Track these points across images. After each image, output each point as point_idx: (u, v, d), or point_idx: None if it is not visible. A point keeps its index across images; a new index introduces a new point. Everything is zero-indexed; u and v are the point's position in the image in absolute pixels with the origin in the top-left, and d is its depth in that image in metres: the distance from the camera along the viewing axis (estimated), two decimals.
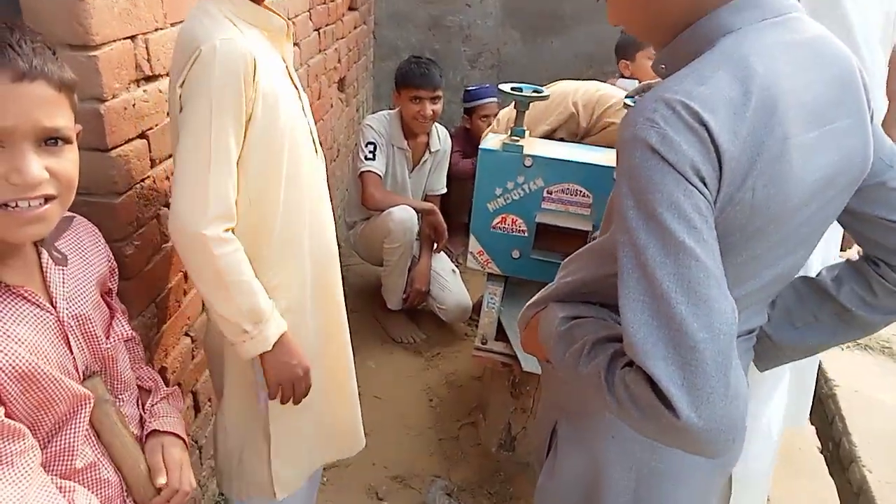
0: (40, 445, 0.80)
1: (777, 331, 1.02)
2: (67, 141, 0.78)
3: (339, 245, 3.02)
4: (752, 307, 0.92)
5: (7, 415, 0.75)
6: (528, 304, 1.07)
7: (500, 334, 2.02)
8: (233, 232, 1.14)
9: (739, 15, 0.76)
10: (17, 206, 0.73)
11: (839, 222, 0.93)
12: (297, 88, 1.28)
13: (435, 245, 2.90)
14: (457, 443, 2.32)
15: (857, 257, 0.98)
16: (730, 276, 0.73)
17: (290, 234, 1.27)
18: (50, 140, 0.76)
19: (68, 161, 0.78)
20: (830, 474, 2.39)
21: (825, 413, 2.69)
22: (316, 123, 2.81)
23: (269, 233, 1.23)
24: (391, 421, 2.39)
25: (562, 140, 2.37)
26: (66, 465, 0.83)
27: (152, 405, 1.03)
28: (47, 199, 0.76)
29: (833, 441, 2.57)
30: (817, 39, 0.80)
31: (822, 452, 2.50)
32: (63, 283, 0.86)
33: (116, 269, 1.01)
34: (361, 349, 2.59)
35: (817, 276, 1.02)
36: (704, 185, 0.70)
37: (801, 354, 1.07)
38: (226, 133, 1.08)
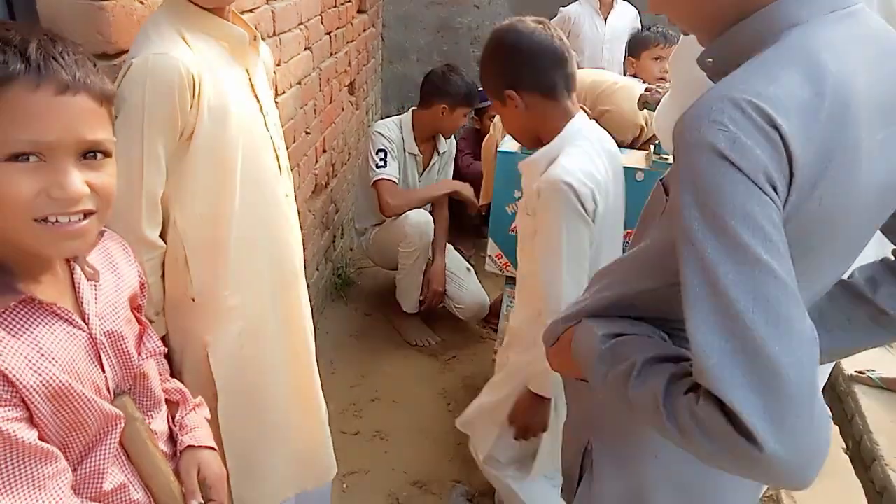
0: (71, 468, 0.79)
1: None
2: (107, 154, 0.77)
3: (350, 249, 3.02)
4: None
5: (39, 437, 0.74)
6: (555, 318, 1.00)
7: None
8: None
9: (807, 6, 0.69)
10: (57, 220, 0.72)
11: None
12: (259, 102, 1.26)
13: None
14: None
15: (893, 258, 0.93)
16: None
17: (247, 252, 1.24)
18: (90, 153, 0.74)
19: (108, 175, 0.77)
20: (856, 474, 2.35)
21: (845, 411, 2.65)
22: (328, 127, 2.82)
23: (223, 249, 1.20)
24: (409, 425, 2.38)
25: None
26: (96, 488, 0.82)
27: (182, 418, 1.02)
28: (86, 214, 0.75)
29: (853, 439, 2.54)
30: (882, 33, 0.74)
31: (845, 452, 2.46)
32: (95, 299, 0.85)
33: (145, 285, 0.99)
34: (377, 353, 2.58)
35: (850, 277, 0.95)
36: (776, 193, 0.63)
37: (832, 358, 1.02)
38: (156, 146, 1.08)
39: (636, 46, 2.86)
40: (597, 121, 2.28)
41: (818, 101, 0.64)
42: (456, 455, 2.26)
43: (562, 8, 3.57)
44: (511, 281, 2.00)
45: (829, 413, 0.67)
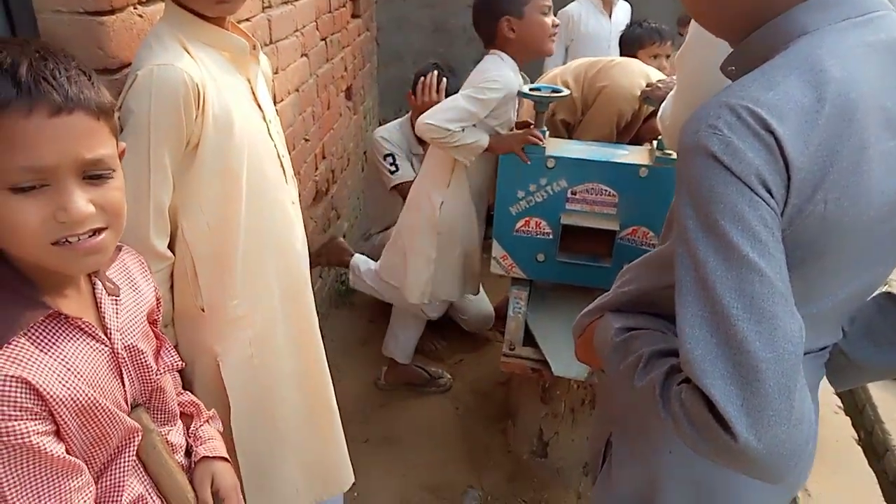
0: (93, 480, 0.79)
1: (855, 349, 0.94)
2: (111, 169, 0.76)
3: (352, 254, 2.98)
4: (825, 325, 0.87)
5: (66, 450, 0.74)
6: (582, 312, 1.05)
7: (528, 339, 1.99)
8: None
9: (817, 14, 0.71)
10: (67, 241, 0.72)
11: None
12: (262, 110, 1.26)
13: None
14: (487, 451, 2.29)
15: None
16: (799, 291, 0.70)
17: (255, 261, 1.24)
18: (93, 171, 0.74)
19: (114, 190, 0.76)
20: (869, 465, 2.34)
21: (855, 401, 2.64)
22: (326, 133, 2.80)
23: (231, 259, 1.20)
24: (418, 431, 2.37)
25: (563, 121, 2.34)
26: (115, 500, 0.82)
27: (196, 429, 1.02)
28: (98, 230, 0.74)
29: (866, 430, 2.53)
30: None
31: (858, 444, 2.45)
32: (117, 314, 0.85)
33: (161, 300, 0.99)
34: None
35: None
36: (771, 195, 0.66)
37: (881, 375, 1.01)
38: (162, 157, 1.08)
39: (632, 44, 2.82)
40: (595, 98, 2.29)
41: (818, 106, 0.66)
42: (467, 459, 2.25)
43: (563, 9, 3.53)
44: (517, 282, 1.99)
45: (813, 412, 0.68)
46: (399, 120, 2.87)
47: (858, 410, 2.59)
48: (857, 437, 2.47)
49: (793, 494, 1.02)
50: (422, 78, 2.58)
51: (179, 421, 0.99)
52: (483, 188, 2.21)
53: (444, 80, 2.58)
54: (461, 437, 2.35)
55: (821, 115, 0.66)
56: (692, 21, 1.22)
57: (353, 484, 1.57)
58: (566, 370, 1.84)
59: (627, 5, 3.59)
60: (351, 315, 3.02)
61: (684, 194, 0.69)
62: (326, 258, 2.61)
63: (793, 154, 0.65)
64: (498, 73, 1.91)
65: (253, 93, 1.24)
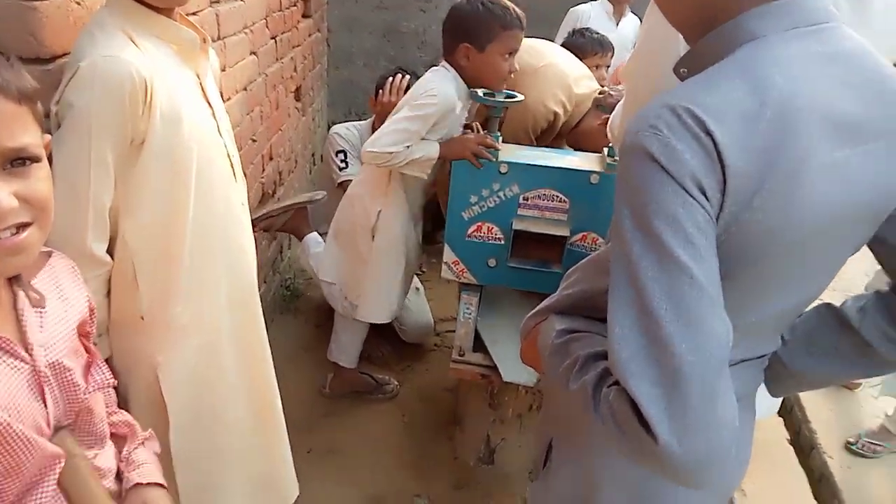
0: None
1: (793, 357, 0.95)
2: (36, 159, 0.69)
3: (298, 259, 2.91)
4: (764, 333, 0.87)
5: None
6: (530, 313, 1.04)
7: (478, 344, 1.98)
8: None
9: (766, 21, 0.70)
10: None
11: (870, 249, 0.87)
12: (211, 107, 1.21)
13: None
14: (433, 459, 2.26)
15: (887, 288, 0.90)
16: (738, 299, 0.70)
17: (203, 265, 1.19)
18: (16, 161, 0.67)
19: (39, 181, 0.69)
20: (800, 463, 2.44)
21: (784, 403, 2.75)
22: (274, 134, 2.74)
23: (176, 263, 1.15)
24: (364, 439, 2.32)
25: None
26: None
27: (129, 453, 0.94)
28: (22, 226, 0.68)
29: (794, 430, 2.64)
30: (855, 53, 0.73)
31: (790, 442, 2.56)
32: (41, 327, 0.77)
33: (95, 310, 0.92)
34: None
35: (843, 304, 0.94)
36: (706, 198, 0.65)
37: (817, 383, 1.02)
38: (104, 154, 1.02)
39: (573, 53, 2.85)
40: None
41: (759, 112, 0.66)
42: (413, 468, 2.22)
43: (574, 7, 3.50)
44: (467, 287, 1.98)
45: (736, 417, 0.67)
46: (362, 122, 2.84)
47: (787, 411, 2.70)
48: (788, 437, 2.57)
49: (727, 497, 1.03)
50: (389, 79, 2.56)
51: (110, 442, 0.91)
52: (419, 196, 2.22)
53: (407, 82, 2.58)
54: (408, 445, 2.32)
55: (761, 121, 0.66)
56: (641, 31, 1.24)
57: (297, 496, 1.53)
58: (516, 376, 1.84)
59: (637, 21, 3.51)
60: (296, 321, 2.95)
61: (622, 193, 0.69)
62: (283, 222, 2.54)
63: (730, 158, 0.65)
64: (437, 87, 1.90)
65: (202, 88, 1.19)
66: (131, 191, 1.08)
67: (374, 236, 2.16)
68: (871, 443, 2.42)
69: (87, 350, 0.87)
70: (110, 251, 1.10)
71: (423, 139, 1.90)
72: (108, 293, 1.13)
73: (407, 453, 2.28)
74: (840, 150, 0.70)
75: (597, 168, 1.80)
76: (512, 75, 1.97)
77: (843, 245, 0.80)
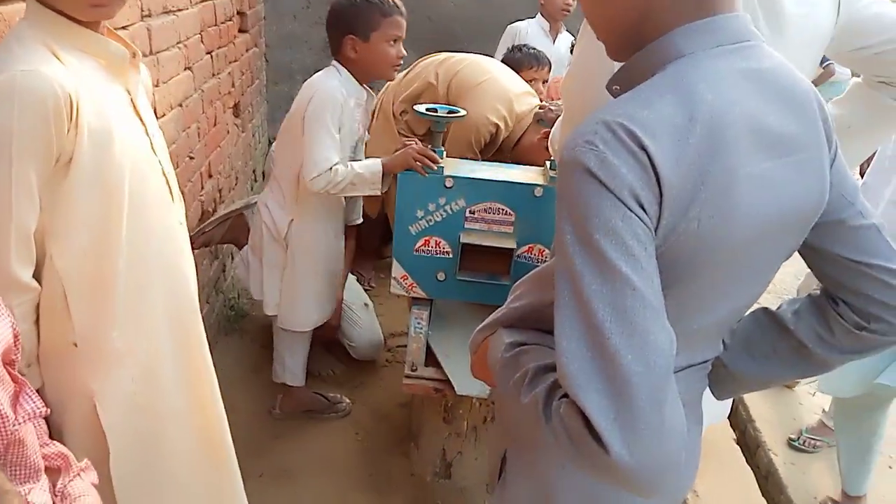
0: None
1: (734, 360, 0.98)
2: None
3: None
4: (705, 340, 0.90)
5: None
6: (479, 327, 1.04)
7: (430, 359, 1.97)
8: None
9: (693, 39, 0.74)
10: None
11: (800, 255, 0.90)
12: (144, 124, 1.17)
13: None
14: (389, 476, 2.23)
15: (819, 292, 0.94)
16: (678, 308, 0.71)
17: (139, 287, 1.14)
18: None
19: None
20: (746, 461, 2.51)
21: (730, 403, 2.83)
22: (213, 151, 2.67)
23: (111, 286, 1.09)
24: (317, 460, 2.26)
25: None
26: None
27: (64, 486, 0.88)
28: None
29: (739, 429, 2.72)
30: (776, 69, 0.77)
31: (736, 443, 2.63)
32: None
33: (19, 336, 0.86)
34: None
35: (778, 308, 0.98)
36: (644, 211, 0.67)
37: (759, 385, 1.05)
38: (27, 175, 0.97)
39: (510, 68, 2.91)
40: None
41: (690, 126, 0.68)
42: (369, 486, 2.18)
43: (512, 24, 3.61)
44: (418, 302, 1.96)
45: (684, 423, 0.69)
46: None
47: (733, 411, 2.79)
48: (735, 437, 2.65)
49: (679, 502, 1.05)
50: None
51: (44, 476, 0.85)
52: (336, 206, 2.22)
53: None
54: (362, 464, 2.28)
55: (692, 135, 0.68)
56: (576, 50, 1.27)
57: None
58: (469, 388, 1.83)
59: (571, 38, 3.65)
60: (242, 342, 2.86)
61: (563, 209, 0.71)
62: (221, 234, 2.49)
63: (664, 171, 0.67)
64: (316, 88, 1.95)
65: (133, 104, 1.14)
66: (59, 212, 1.02)
67: (287, 246, 2.17)
68: (812, 438, 2.52)
69: (14, 379, 0.82)
70: (37, 276, 1.04)
71: (356, 160, 1.92)
72: (37, 320, 1.07)
73: (362, 472, 2.24)
74: (766, 162, 0.74)
75: (540, 181, 1.82)
76: (401, 61, 2.03)
77: (775, 252, 0.83)
